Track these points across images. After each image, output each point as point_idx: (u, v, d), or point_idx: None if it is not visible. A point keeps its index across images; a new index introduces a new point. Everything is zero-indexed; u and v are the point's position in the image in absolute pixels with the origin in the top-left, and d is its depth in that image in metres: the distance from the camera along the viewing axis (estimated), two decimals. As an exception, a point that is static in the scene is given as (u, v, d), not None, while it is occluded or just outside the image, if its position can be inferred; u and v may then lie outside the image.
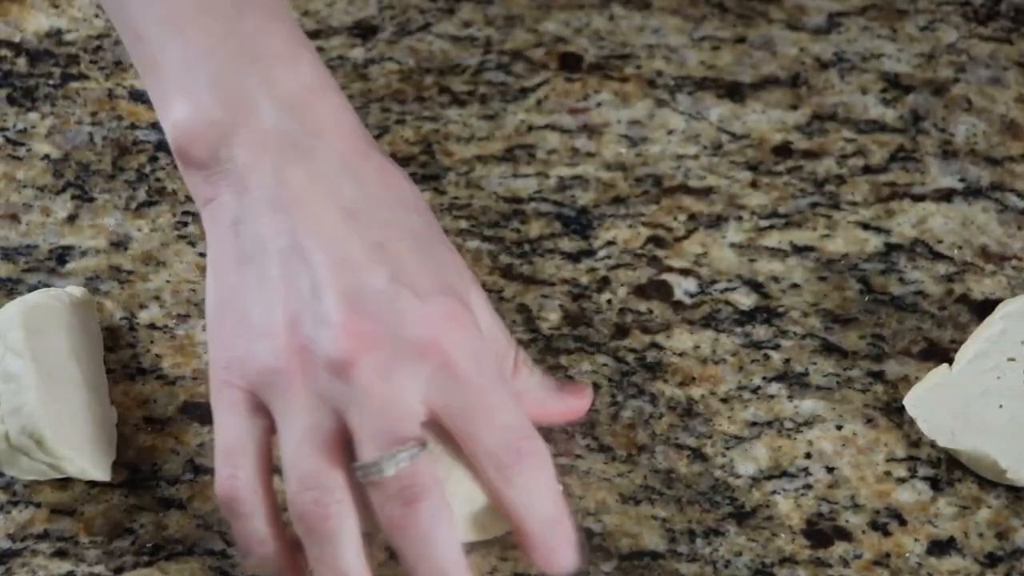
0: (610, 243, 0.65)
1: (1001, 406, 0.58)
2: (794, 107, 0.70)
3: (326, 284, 0.49)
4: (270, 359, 0.49)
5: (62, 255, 0.64)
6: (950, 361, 0.59)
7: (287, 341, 0.49)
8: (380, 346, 0.48)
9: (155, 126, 0.68)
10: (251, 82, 0.52)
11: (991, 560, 0.56)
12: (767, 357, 0.62)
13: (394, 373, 0.48)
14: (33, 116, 0.69)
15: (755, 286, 0.64)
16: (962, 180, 0.67)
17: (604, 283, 0.64)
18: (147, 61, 0.53)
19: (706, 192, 0.67)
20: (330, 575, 0.49)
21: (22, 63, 0.70)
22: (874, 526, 0.57)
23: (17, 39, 0.71)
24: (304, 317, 0.49)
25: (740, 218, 0.66)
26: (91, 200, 0.66)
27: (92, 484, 0.57)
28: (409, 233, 0.52)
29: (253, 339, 0.49)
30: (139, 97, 0.69)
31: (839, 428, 0.60)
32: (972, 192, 0.67)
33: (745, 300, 0.63)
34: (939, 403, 0.58)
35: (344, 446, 0.49)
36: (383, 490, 0.48)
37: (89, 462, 0.56)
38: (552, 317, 0.63)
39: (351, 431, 0.48)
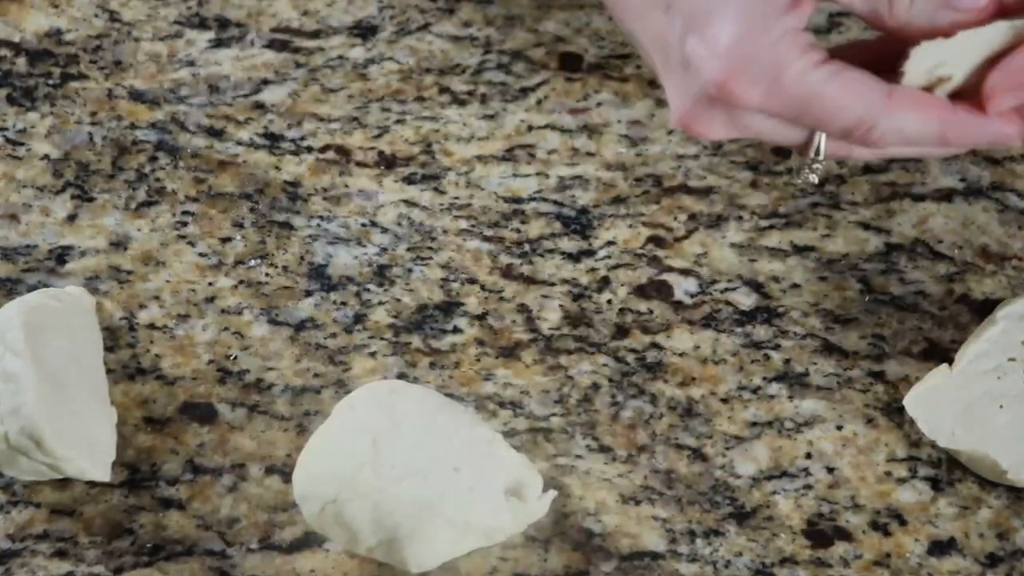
0: (610, 243, 0.65)
1: (1001, 406, 0.57)
2: (794, 107, 0.70)
3: None
4: None
5: (62, 255, 0.64)
6: (950, 361, 0.59)
7: None
8: None
9: (155, 126, 0.68)
10: None
11: (992, 560, 0.56)
12: (767, 357, 0.62)
13: None
14: (33, 116, 0.69)
15: (755, 286, 0.64)
16: (962, 180, 0.67)
17: (604, 283, 0.64)
18: None
19: (706, 192, 0.67)
20: None
21: (22, 63, 0.70)
22: (874, 526, 0.57)
23: (17, 39, 0.71)
24: None
25: (740, 218, 0.66)
26: (91, 200, 0.66)
27: (92, 484, 0.57)
28: None
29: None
30: (139, 97, 0.69)
31: (839, 428, 0.60)
32: (972, 192, 0.67)
33: (745, 300, 0.63)
34: (939, 403, 0.58)
35: None
36: None
37: (88, 462, 0.56)
38: (552, 317, 0.63)
39: None
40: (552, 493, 0.56)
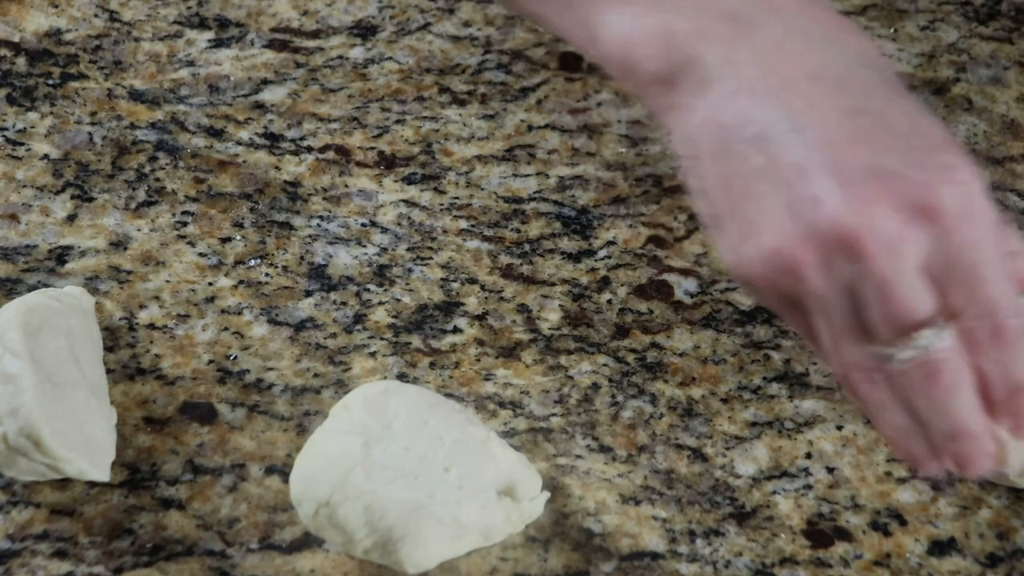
0: (610, 243, 0.65)
1: None
2: (794, 107, 0.70)
3: (810, 164, 0.47)
4: (784, 257, 0.47)
5: (61, 255, 0.64)
6: None
7: (793, 231, 0.47)
8: (883, 215, 0.46)
9: (155, 126, 0.68)
10: None
11: (992, 560, 0.56)
12: (767, 357, 0.62)
13: (902, 245, 0.46)
14: (33, 116, 0.69)
15: (755, 286, 0.64)
16: (962, 180, 0.67)
17: (604, 283, 0.64)
18: None
19: (706, 192, 0.67)
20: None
21: (22, 63, 0.70)
22: (875, 526, 0.57)
23: (17, 39, 0.71)
24: (799, 203, 0.47)
25: (740, 218, 0.66)
26: (90, 200, 0.66)
27: (91, 484, 0.57)
28: (879, 92, 0.49)
29: (758, 238, 0.48)
30: (139, 97, 0.69)
31: (839, 428, 0.60)
32: (972, 192, 0.67)
33: (745, 300, 0.63)
34: None
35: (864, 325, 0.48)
36: (902, 367, 0.48)
37: (88, 463, 0.56)
38: (552, 317, 0.63)
39: (862, 306, 0.47)
40: (546, 494, 0.56)
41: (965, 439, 0.48)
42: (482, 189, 0.67)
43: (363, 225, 0.66)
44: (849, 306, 0.47)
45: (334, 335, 0.62)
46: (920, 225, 0.46)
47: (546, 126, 0.69)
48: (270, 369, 0.61)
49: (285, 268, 0.64)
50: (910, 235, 0.46)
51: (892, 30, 0.73)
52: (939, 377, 0.47)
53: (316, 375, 0.61)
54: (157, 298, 0.63)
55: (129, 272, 0.64)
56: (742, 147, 0.48)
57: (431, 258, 0.65)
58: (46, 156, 0.67)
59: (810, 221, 0.46)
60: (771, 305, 0.50)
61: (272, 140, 0.68)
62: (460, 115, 0.69)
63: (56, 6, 0.72)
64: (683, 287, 0.64)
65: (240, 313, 0.63)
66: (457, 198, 0.67)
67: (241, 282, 0.64)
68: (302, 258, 0.64)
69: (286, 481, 0.57)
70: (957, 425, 0.47)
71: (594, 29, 0.52)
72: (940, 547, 0.56)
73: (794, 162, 0.47)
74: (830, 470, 0.58)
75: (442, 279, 0.64)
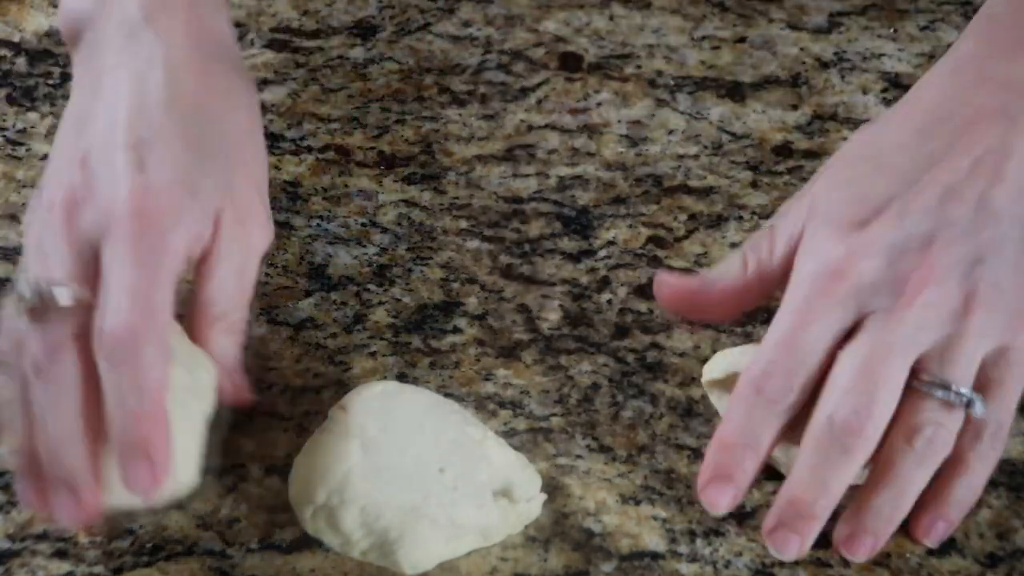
0: (610, 243, 0.65)
1: None
2: (794, 107, 0.70)
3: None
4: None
5: (62, 255, 0.64)
6: None
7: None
8: None
9: (155, 126, 0.68)
10: None
11: (992, 560, 0.56)
12: (767, 357, 0.62)
13: None
14: (32, 116, 0.68)
15: (755, 286, 0.64)
16: (962, 180, 0.67)
17: (604, 283, 0.64)
18: None
19: (706, 192, 0.67)
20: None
21: (22, 63, 0.70)
22: (874, 526, 0.57)
23: (17, 39, 0.71)
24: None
25: (740, 218, 0.66)
26: (91, 200, 0.66)
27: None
28: (195, 138, 0.55)
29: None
30: (139, 97, 0.69)
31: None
32: (972, 192, 0.67)
33: (745, 300, 0.63)
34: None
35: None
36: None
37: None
38: (552, 317, 0.63)
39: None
40: (543, 495, 0.56)
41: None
42: (482, 189, 0.67)
43: (363, 225, 0.66)
44: None
45: (334, 335, 0.62)
46: None
47: (546, 126, 0.69)
48: (270, 369, 0.61)
49: (285, 268, 0.64)
50: None
51: (892, 30, 0.73)
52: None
53: (316, 375, 0.61)
54: (157, 298, 0.63)
55: (129, 272, 0.64)
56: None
57: (431, 258, 0.65)
58: (46, 156, 0.67)
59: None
60: None
61: (272, 140, 0.68)
62: (460, 115, 0.69)
63: (56, 6, 0.72)
64: (683, 287, 0.64)
65: (240, 313, 0.63)
66: (457, 198, 0.67)
67: (241, 282, 0.64)
68: (302, 258, 0.64)
69: (286, 481, 0.57)
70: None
71: None
72: (940, 547, 0.56)
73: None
74: (830, 470, 0.58)
75: (442, 279, 0.64)
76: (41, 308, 0.51)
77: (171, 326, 0.55)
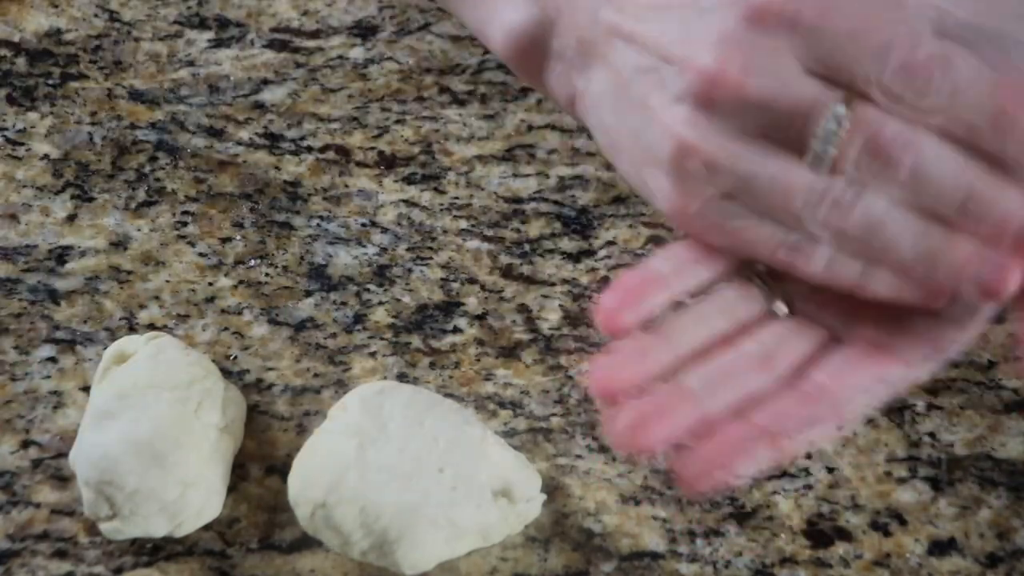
0: (610, 243, 0.65)
1: None
2: (794, 107, 0.70)
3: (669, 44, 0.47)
4: (686, 149, 0.47)
5: (62, 255, 0.64)
6: None
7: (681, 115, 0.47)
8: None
9: (155, 126, 0.68)
10: None
11: (992, 560, 0.56)
12: (767, 357, 0.62)
13: (775, 56, 0.45)
14: (33, 116, 0.69)
15: (755, 286, 0.64)
16: (962, 180, 0.67)
17: (604, 283, 0.64)
18: None
19: (706, 192, 0.67)
20: None
21: (22, 63, 0.70)
22: (875, 526, 0.57)
23: (17, 39, 0.71)
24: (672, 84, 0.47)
25: (740, 218, 0.66)
26: (90, 200, 0.66)
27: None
28: None
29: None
30: (139, 97, 0.69)
31: (839, 428, 0.60)
32: (972, 192, 0.67)
33: (745, 300, 0.63)
34: None
35: None
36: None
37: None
38: (552, 317, 0.63)
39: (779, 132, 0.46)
40: (543, 496, 0.56)
41: (990, 209, 0.44)
42: (482, 189, 0.67)
43: (363, 225, 0.66)
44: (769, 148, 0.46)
45: (334, 335, 0.62)
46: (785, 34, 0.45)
47: (546, 126, 0.69)
48: (270, 369, 0.61)
49: (285, 268, 0.64)
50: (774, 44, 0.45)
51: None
52: (889, 150, 0.44)
53: (316, 375, 0.61)
54: (157, 298, 0.63)
55: (129, 272, 0.64)
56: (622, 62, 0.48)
57: (431, 258, 0.65)
58: (46, 156, 0.67)
59: (685, 90, 0.46)
60: (720, 240, 0.48)
61: (272, 140, 0.68)
62: (460, 115, 0.69)
63: (56, 6, 0.72)
64: (683, 287, 0.64)
65: (240, 313, 0.63)
66: (457, 198, 0.67)
67: (241, 282, 0.64)
68: (302, 258, 0.64)
69: (286, 481, 0.57)
70: (967, 192, 0.44)
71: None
72: (940, 547, 0.56)
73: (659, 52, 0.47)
74: (830, 470, 0.58)
75: (442, 279, 0.64)
76: None
77: (202, 359, 0.57)
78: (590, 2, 0.50)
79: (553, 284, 0.64)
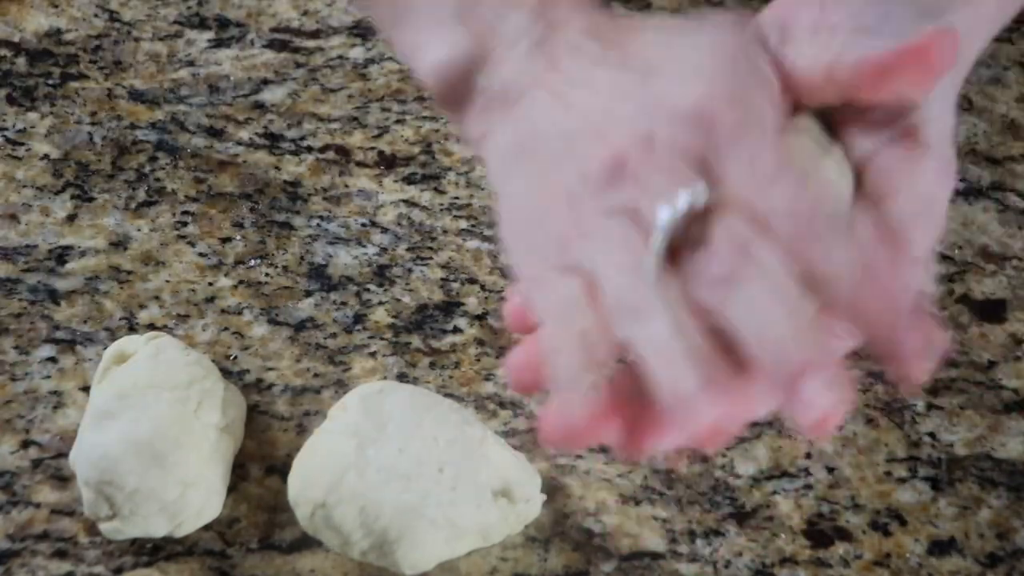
0: (610, 243, 0.65)
1: None
2: (794, 107, 0.70)
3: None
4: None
5: (61, 255, 0.64)
6: None
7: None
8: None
9: (155, 126, 0.68)
10: (490, 4, 0.48)
11: (992, 560, 0.56)
12: (767, 357, 0.62)
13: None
14: (33, 116, 0.69)
15: (755, 286, 0.64)
16: (963, 180, 0.67)
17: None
18: (395, 14, 0.51)
19: (706, 192, 0.67)
20: None
21: (22, 63, 0.70)
22: (874, 526, 0.57)
23: (17, 39, 0.71)
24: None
25: (740, 218, 0.66)
26: (90, 200, 0.66)
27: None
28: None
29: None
30: (139, 97, 0.69)
31: (839, 428, 0.60)
32: (972, 192, 0.67)
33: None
34: None
35: None
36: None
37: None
38: (552, 317, 0.63)
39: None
40: (542, 496, 0.56)
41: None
42: (482, 189, 0.67)
43: (363, 225, 0.65)
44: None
45: (334, 335, 0.62)
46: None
47: (546, 126, 0.69)
48: (270, 369, 0.61)
49: (285, 268, 0.64)
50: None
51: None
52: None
53: (316, 375, 0.61)
54: (157, 298, 0.63)
55: (129, 272, 0.64)
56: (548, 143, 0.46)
57: (431, 258, 0.65)
58: (46, 156, 0.67)
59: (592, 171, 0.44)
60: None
61: (272, 140, 0.68)
62: (460, 115, 0.69)
63: (56, 6, 0.72)
64: (683, 287, 0.64)
65: (240, 313, 0.63)
66: (457, 198, 0.67)
67: (241, 282, 0.64)
68: (302, 258, 0.64)
69: (286, 481, 0.57)
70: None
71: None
72: (940, 547, 0.56)
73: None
74: (830, 470, 0.58)
75: (442, 279, 0.64)
76: None
77: (202, 359, 0.57)
78: (525, 44, 0.49)
79: (553, 284, 0.64)
